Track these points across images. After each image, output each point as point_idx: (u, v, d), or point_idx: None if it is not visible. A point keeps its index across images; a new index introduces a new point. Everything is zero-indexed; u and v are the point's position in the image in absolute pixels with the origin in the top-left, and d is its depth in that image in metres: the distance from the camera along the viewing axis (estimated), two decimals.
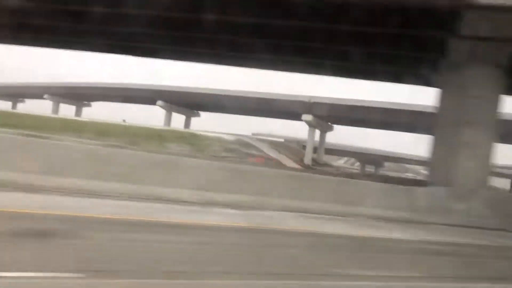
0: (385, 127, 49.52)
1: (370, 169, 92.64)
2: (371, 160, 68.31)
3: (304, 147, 50.53)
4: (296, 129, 49.92)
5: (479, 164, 11.64)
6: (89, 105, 66.00)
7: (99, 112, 63.50)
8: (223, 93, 46.17)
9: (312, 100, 43.74)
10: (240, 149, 41.26)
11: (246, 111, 49.45)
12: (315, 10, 12.14)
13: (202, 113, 58.48)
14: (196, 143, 37.85)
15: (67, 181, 7.57)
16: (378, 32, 13.08)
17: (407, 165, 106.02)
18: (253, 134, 54.37)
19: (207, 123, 56.25)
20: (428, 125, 41.45)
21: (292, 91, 47.52)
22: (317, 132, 48.55)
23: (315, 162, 47.10)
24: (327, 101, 43.81)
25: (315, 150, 48.62)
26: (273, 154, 43.36)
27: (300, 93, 44.76)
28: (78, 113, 63.66)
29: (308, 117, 44.03)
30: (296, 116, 45.10)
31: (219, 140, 41.86)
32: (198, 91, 48.40)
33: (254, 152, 42.03)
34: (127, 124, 41.92)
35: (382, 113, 42.22)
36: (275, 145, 47.35)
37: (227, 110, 51.45)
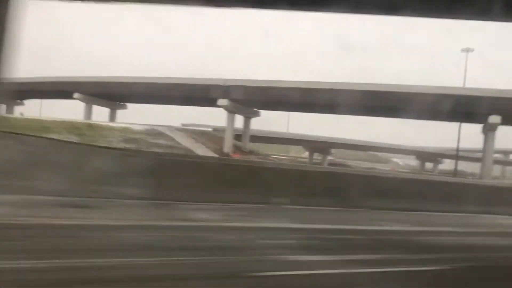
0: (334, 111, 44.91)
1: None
2: (319, 148, 64.79)
3: (238, 135, 47.28)
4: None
5: None
6: (22, 104, 62.50)
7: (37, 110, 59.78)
8: (130, 81, 42.70)
9: (228, 83, 40.27)
10: (146, 139, 37.88)
11: (167, 100, 45.78)
12: None
13: (132, 105, 55.19)
14: (89, 134, 34.52)
15: None
16: None
17: (379, 154, 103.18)
18: (183, 125, 51.01)
19: (137, 115, 52.77)
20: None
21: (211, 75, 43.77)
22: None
23: (240, 150, 43.72)
24: (243, 83, 40.41)
25: (240, 138, 45.32)
26: (186, 143, 39.99)
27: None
28: (9, 112, 60.13)
29: (223, 101, 40.59)
30: (214, 102, 41.62)
31: (124, 131, 38.53)
32: (110, 80, 44.87)
33: (162, 141, 38.66)
34: (20, 117, 38.59)
35: (323, 94, 38.20)
36: (196, 134, 44.02)
37: (151, 101, 47.81)
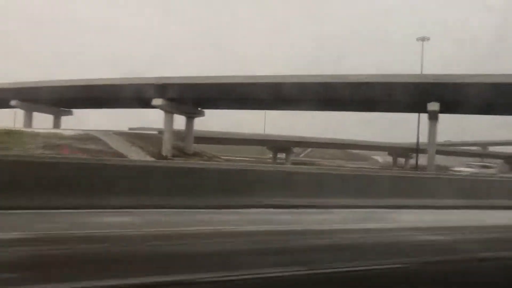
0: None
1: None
2: (283, 147, 62.38)
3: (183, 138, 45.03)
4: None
5: None
6: None
7: None
8: (64, 84, 40.38)
9: (162, 81, 37.93)
10: (73, 144, 35.52)
11: (104, 104, 43.40)
12: None
13: (84, 111, 52.99)
14: (4, 141, 32.18)
15: None
16: None
17: (359, 152, 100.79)
18: (130, 129, 48.74)
19: (87, 122, 50.38)
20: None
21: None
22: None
23: (182, 153, 41.36)
24: (180, 81, 38.08)
25: (183, 139, 42.98)
26: (119, 147, 37.65)
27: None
28: None
29: (158, 101, 38.23)
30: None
31: (50, 136, 36.21)
32: (48, 85, 42.53)
33: (91, 146, 36.30)
34: None
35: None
36: (136, 138, 41.69)
37: (89, 105, 45.45)
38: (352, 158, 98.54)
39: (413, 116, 46.35)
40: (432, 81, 30.18)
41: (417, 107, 31.56)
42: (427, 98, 30.87)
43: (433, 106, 30.43)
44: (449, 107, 31.67)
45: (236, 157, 55.21)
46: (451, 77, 30.24)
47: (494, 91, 28.43)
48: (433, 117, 31.75)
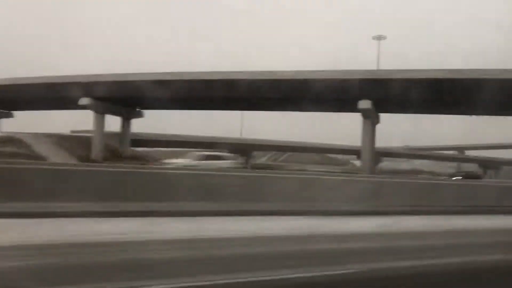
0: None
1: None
2: (242, 151, 59.56)
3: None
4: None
5: None
6: None
7: None
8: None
9: (89, 79, 35.46)
10: None
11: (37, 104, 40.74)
12: None
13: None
14: None
15: None
16: None
17: (338, 156, 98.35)
18: (72, 131, 46.27)
19: (29, 124, 47.56)
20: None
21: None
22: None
23: (116, 155, 38.78)
24: (109, 78, 35.59)
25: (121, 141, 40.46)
26: (43, 150, 35.20)
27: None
28: None
29: (85, 100, 35.71)
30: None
31: None
32: None
33: (8, 149, 33.82)
34: None
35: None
36: (69, 141, 39.31)
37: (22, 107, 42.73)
38: (330, 162, 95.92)
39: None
40: (362, 77, 27.76)
41: (349, 106, 28.95)
42: (359, 96, 28.43)
43: (365, 104, 27.95)
44: (385, 106, 29.24)
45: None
46: (383, 72, 27.85)
47: (429, 87, 26.07)
48: (367, 116, 29.22)
